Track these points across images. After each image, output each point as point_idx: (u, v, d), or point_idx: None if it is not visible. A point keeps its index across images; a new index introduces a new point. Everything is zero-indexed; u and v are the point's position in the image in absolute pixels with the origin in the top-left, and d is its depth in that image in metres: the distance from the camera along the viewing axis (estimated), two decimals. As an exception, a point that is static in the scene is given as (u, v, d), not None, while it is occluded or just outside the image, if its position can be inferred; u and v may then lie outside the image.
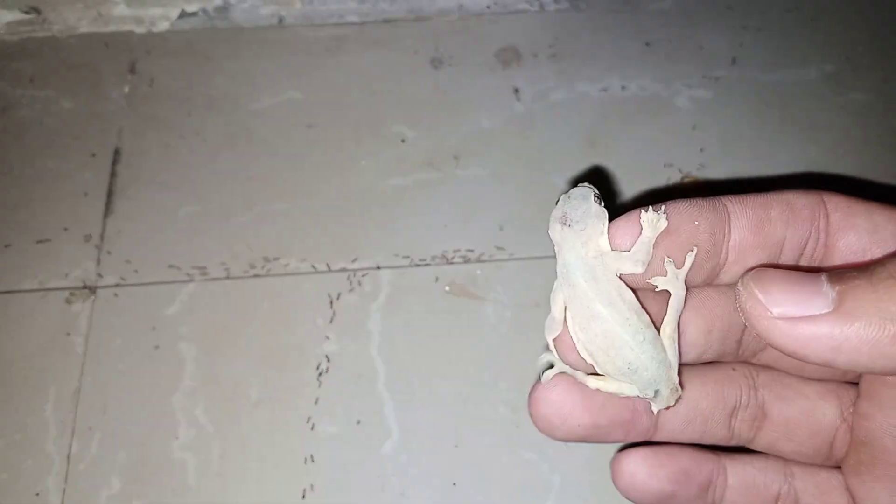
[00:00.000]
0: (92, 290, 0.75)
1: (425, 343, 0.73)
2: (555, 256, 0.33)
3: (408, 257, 0.77)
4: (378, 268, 0.76)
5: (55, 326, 0.73)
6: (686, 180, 0.81)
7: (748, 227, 0.26)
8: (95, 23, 0.92)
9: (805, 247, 0.26)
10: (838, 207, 0.25)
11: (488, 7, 0.94)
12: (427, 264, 0.77)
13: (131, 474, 0.67)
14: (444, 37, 0.91)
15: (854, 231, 0.25)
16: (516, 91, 0.87)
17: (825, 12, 0.93)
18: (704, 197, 0.28)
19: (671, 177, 0.81)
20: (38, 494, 0.66)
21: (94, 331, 0.73)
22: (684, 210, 0.27)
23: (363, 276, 0.76)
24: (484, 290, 0.75)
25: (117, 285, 0.75)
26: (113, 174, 0.82)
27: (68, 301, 0.74)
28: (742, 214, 0.26)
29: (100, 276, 0.76)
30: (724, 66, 0.89)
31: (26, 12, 0.91)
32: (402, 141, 0.84)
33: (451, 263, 0.77)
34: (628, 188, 0.81)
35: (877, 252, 0.25)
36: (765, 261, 0.27)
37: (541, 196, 0.80)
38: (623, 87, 0.88)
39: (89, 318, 0.74)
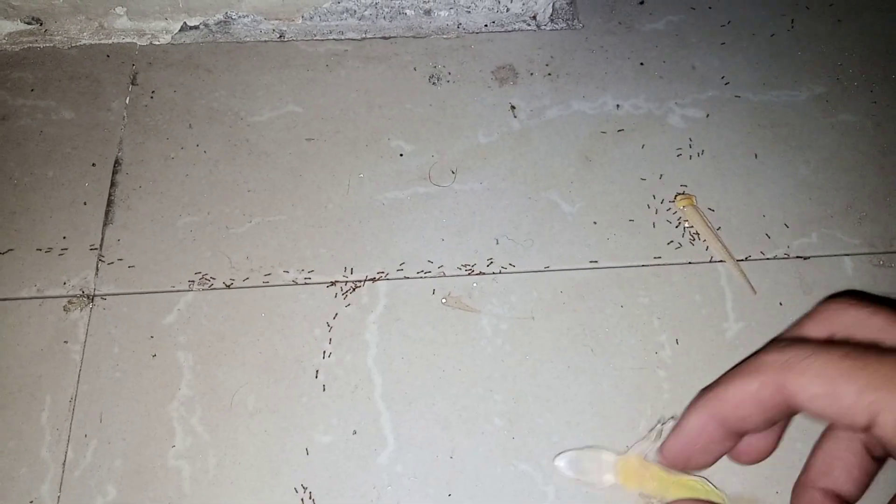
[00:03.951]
0: (90, 298, 0.75)
1: (421, 354, 0.73)
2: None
3: (405, 269, 0.78)
4: (375, 280, 0.77)
5: (52, 334, 0.74)
6: (678, 198, 0.82)
7: (736, 425, 0.28)
8: (97, 34, 0.93)
9: (786, 415, 0.27)
10: (790, 389, 0.26)
11: (486, 26, 0.95)
12: (424, 277, 0.77)
13: (127, 482, 0.67)
14: (442, 54, 0.93)
15: (808, 411, 0.26)
16: (513, 108, 0.89)
17: (816, 35, 0.95)
18: (694, 411, 0.29)
19: (664, 195, 0.83)
20: (32, 502, 0.66)
21: (91, 339, 0.73)
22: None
23: (360, 287, 0.77)
24: (480, 302, 0.76)
25: (116, 294, 0.76)
26: (113, 184, 0.82)
27: (66, 309, 0.75)
28: (727, 416, 0.28)
29: (98, 284, 0.76)
30: (717, 87, 0.91)
31: (28, 23, 0.92)
32: (401, 155, 0.85)
33: (448, 276, 0.77)
34: (621, 205, 0.82)
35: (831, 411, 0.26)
36: (767, 440, 0.30)
37: (536, 211, 0.81)
38: (617, 106, 0.89)
39: (87, 326, 0.74)
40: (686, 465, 0.29)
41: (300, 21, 0.94)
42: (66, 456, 0.68)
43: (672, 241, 0.80)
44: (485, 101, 0.89)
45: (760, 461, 0.31)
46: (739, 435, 0.28)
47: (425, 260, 0.78)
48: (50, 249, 0.78)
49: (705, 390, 0.28)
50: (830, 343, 0.27)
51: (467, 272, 0.78)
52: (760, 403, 0.27)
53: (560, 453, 0.34)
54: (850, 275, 0.78)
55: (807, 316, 0.29)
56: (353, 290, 0.76)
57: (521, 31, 0.95)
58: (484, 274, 0.78)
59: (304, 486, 0.67)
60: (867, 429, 0.24)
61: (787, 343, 0.27)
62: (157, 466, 0.68)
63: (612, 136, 0.87)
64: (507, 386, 0.72)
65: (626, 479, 0.32)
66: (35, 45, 0.92)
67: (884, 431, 0.23)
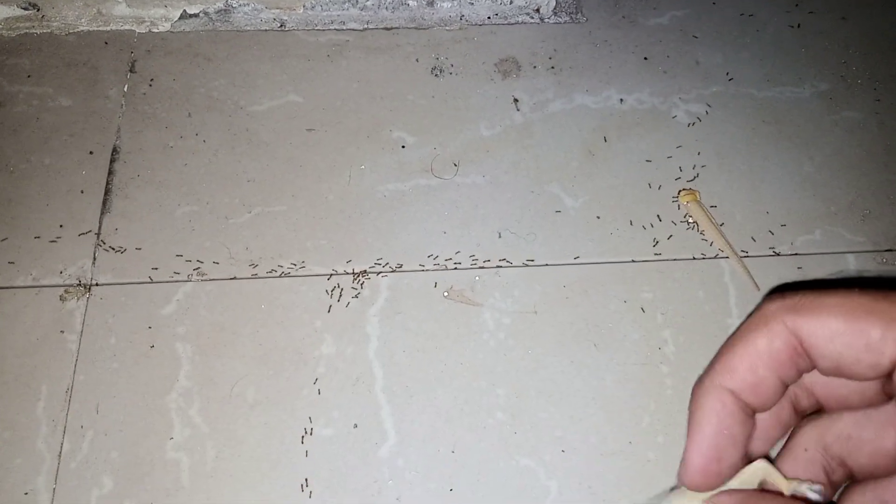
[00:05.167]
0: (87, 287, 0.74)
1: (423, 348, 0.73)
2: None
3: (406, 262, 0.77)
4: (377, 272, 0.76)
5: (49, 323, 0.72)
6: (682, 193, 0.81)
7: (751, 397, 0.24)
8: (95, 21, 0.91)
9: (799, 373, 0.24)
10: (803, 335, 0.23)
11: (489, 18, 0.94)
12: (425, 270, 0.77)
13: (124, 474, 0.66)
14: (444, 46, 0.92)
15: (823, 356, 0.23)
16: (516, 101, 0.88)
17: (820, 32, 0.95)
18: (695, 397, 0.25)
19: (667, 190, 0.82)
20: (27, 493, 0.65)
21: (88, 329, 0.72)
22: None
23: (362, 280, 0.76)
24: (482, 296, 0.75)
25: (113, 284, 0.75)
26: (110, 172, 0.81)
27: (63, 298, 0.74)
28: (740, 389, 0.24)
29: (95, 273, 0.75)
30: (721, 82, 0.90)
31: (25, 8, 0.90)
32: (403, 147, 0.84)
33: (450, 269, 0.77)
34: (625, 200, 0.82)
35: (847, 353, 0.23)
36: (778, 400, 0.25)
37: (539, 205, 0.81)
38: (621, 100, 0.89)
39: (83, 316, 0.73)
40: (719, 474, 0.24)
41: (301, 10, 0.92)
42: (61, 447, 0.67)
43: (675, 237, 0.79)
44: (487, 94, 0.88)
45: None
46: (754, 413, 0.25)
47: (427, 253, 0.78)
48: (46, 238, 0.77)
49: (703, 375, 0.25)
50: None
51: (469, 266, 0.77)
52: (774, 359, 0.23)
53: None
54: (853, 272, 0.78)
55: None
56: (355, 282, 0.76)
57: (525, 23, 0.95)
58: (486, 267, 0.77)
59: (305, 479, 0.66)
60: (890, 372, 0.21)
61: (785, 292, 0.23)
62: (154, 458, 0.67)
63: (615, 131, 0.86)
64: (510, 380, 0.71)
65: None
66: (32, 30, 0.91)
67: None
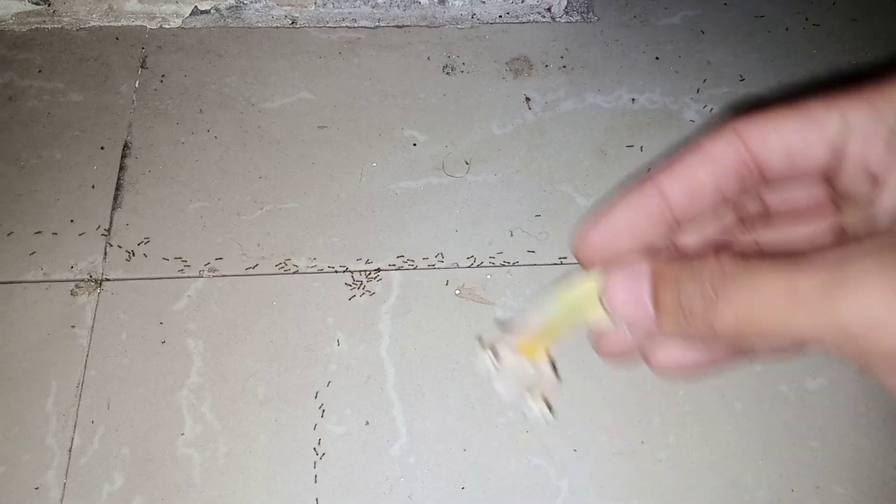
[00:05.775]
0: (98, 282, 0.74)
1: (435, 346, 0.72)
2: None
3: (418, 260, 0.77)
4: (388, 270, 0.76)
5: (59, 318, 0.72)
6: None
7: (683, 199, 0.25)
8: (106, 16, 0.91)
9: (742, 186, 0.25)
10: (753, 140, 0.23)
11: (500, 17, 0.94)
12: (437, 268, 0.76)
13: (134, 470, 0.66)
14: (456, 44, 0.92)
15: (772, 159, 0.24)
16: (527, 100, 0.88)
17: (831, 33, 0.95)
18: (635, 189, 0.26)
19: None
20: (37, 488, 0.65)
21: (99, 324, 0.72)
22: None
23: (373, 277, 0.76)
24: (493, 294, 0.75)
25: (124, 279, 0.74)
26: (122, 167, 0.81)
27: (73, 293, 0.73)
28: (673, 188, 0.25)
29: (106, 269, 0.75)
30: (731, 82, 0.90)
31: (36, 3, 0.90)
32: (414, 145, 0.84)
33: (462, 267, 0.77)
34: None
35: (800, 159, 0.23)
36: (709, 209, 0.25)
37: (551, 204, 0.81)
38: (633, 100, 0.89)
39: (94, 311, 0.73)
40: (602, 256, 0.25)
41: (312, 7, 0.92)
42: (72, 443, 0.67)
43: (687, 237, 0.79)
44: (499, 93, 0.88)
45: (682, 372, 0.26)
46: (674, 224, 0.25)
47: (439, 251, 0.77)
48: (57, 232, 0.77)
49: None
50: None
51: (481, 264, 0.77)
52: (717, 164, 0.24)
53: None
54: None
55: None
56: (366, 279, 0.75)
57: (536, 22, 0.94)
58: (498, 266, 0.77)
59: (316, 476, 0.66)
60: (836, 148, 0.22)
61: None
62: (165, 455, 0.67)
63: (626, 130, 0.86)
64: (521, 379, 0.71)
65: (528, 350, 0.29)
66: (43, 25, 0.91)
67: (855, 150, 0.21)
